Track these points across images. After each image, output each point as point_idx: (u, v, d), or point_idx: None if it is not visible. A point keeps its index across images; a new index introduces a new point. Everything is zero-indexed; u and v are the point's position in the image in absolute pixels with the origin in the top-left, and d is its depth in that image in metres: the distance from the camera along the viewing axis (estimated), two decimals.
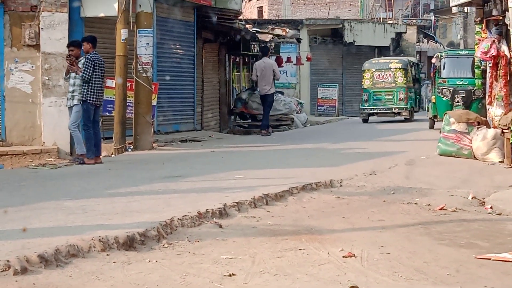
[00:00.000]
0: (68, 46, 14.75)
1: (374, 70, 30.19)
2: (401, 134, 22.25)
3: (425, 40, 47.95)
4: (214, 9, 22.82)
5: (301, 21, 37.33)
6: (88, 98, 13.97)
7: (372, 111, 30.06)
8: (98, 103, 14.21)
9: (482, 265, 6.58)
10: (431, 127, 23.73)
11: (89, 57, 14.00)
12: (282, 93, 28.92)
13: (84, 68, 13.91)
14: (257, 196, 9.54)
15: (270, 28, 32.24)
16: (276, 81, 29.77)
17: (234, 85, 27.91)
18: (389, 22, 42.91)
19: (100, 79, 14.12)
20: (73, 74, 14.15)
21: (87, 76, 13.87)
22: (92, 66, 13.91)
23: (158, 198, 9.55)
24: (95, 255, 6.52)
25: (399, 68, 29.85)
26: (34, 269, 5.95)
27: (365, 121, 30.19)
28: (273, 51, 29.65)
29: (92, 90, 13.97)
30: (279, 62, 31.89)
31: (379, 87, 29.88)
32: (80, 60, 14.10)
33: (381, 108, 29.86)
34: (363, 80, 30.51)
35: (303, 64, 34.73)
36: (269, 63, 23.41)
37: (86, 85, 13.93)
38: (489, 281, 6.04)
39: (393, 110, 29.76)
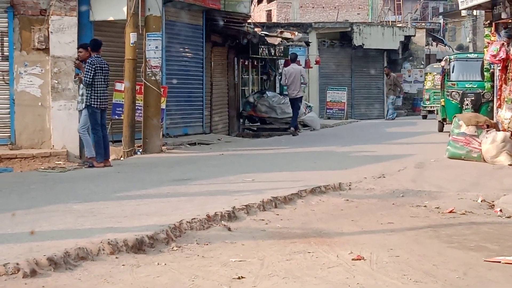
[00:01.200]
0: (78, 48, 14.84)
1: (435, 73, 32.62)
2: (410, 137, 22.23)
3: (434, 43, 47.85)
4: (222, 12, 22.84)
5: (310, 24, 37.27)
6: (92, 102, 13.99)
7: (432, 109, 32.97)
8: (102, 106, 14.21)
9: (492, 268, 6.56)
10: (440, 130, 23.70)
11: (89, 61, 14.02)
12: None
13: (85, 73, 13.96)
14: (266, 199, 9.54)
15: (278, 32, 32.21)
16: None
17: (245, 88, 27.92)
18: (398, 25, 42.79)
19: (103, 83, 14.11)
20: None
21: (87, 80, 13.90)
22: (92, 70, 13.91)
23: (167, 201, 9.56)
24: (104, 258, 6.53)
25: None
26: (43, 272, 5.97)
27: (425, 117, 34.21)
28: (282, 54, 29.66)
29: (96, 94, 13.99)
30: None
31: (439, 88, 31.55)
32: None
33: None
34: (425, 82, 34.13)
35: (311, 67, 34.70)
36: (297, 69, 24.73)
37: (89, 89, 13.96)
38: (498, 285, 6.03)
39: None
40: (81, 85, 14.28)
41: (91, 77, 13.90)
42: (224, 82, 25.14)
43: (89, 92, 13.98)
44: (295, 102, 24.47)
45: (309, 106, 30.13)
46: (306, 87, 35.10)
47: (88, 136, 14.31)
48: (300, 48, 34.03)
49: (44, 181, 12.41)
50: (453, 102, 22.65)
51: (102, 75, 14.07)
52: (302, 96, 25.17)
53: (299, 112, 25.09)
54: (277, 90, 30.89)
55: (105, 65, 14.22)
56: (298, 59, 25.77)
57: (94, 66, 13.93)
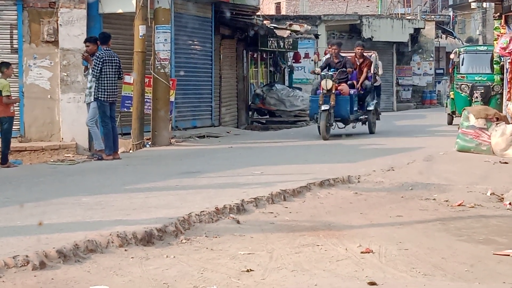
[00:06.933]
0: (84, 42, 14.85)
1: None
2: (419, 130, 22.19)
3: (444, 36, 47.71)
4: (231, 5, 22.82)
5: (319, 16, 37.22)
6: (100, 96, 14.02)
7: None
8: (111, 99, 14.21)
9: (501, 261, 6.56)
10: (450, 123, 23.65)
11: (97, 54, 14.07)
12: (300, 89, 28.91)
13: (93, 65, 13.99)
14: (275, 192, 9.53)
15: (287, 24, 32.19)
16: (293, 77, 30.08)
17: (251, 81, 27.91)
18: (407, 17, 42.68)
19: (111, 76, 14.10)
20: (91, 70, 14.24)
21: (95, 72, 13.93)
22: (100, 63, 13.94)
23: (176, 194, 9.57)
24: (113, 251, 6.54)
25: None
26: (52, 264, 5.98)
27: None
28: (290, 47, 29.64)
29: (103, 87, 14.00)
30: (296, 58, 31.92)
31: None
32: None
33: None
34: None
35: (321, 60, 34.67)
36: None
37: (97, 82, 13.99)
38: (507, 277, 6.02)
39: None
40: (89, 78, 14.31)
41: (98, 70, 13.92)
42: (233, 74, 25.15)
43: (97, 85, 14.00)
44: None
45: None
46: (315, 80, 35.11)
47: (96, 129, 14.33)
48: (309, 41, 34.02)
49: (53, 173, 12.44)
50: (462, 94, 22.61)
51: (111, 68, 14.07)
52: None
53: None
54: (286, 82, 30.87)
55: (115, 58, 14.21)
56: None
57: (101, 59, 13.95)
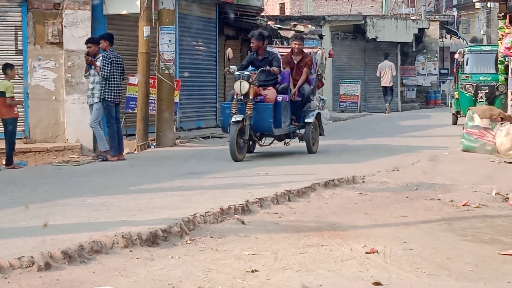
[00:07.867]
0: (86, 43, 14.83)
1: None
2: (423, 130, 22.16)
3: (448, 36, 47.63)
4: (235, 6, 22.82)
5: (323, 17, 37.12)
6: (106, 96, 14.03)
7: None
8: (117, 100, 14.24)
9: (506, 261, 6.55)
10: (454, 123, 23.62)
11: (105, 54, 14.07)
12: None
13: (102, 66, 13.99)
14: (280, 192, 9.54)
15: (292, 25, 32.17)
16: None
17: None
18: (411, 18, 42.57)
19: (117, 76, 14.14)
20: (92, 72, 14.24)
21: (105, 73, 13.94)
22: (109, 63, 13.96)
23: (181, 195, 9.57)
24: (118, 251, 6.55)
25: None
26: (57, 265, 5.99)
27: None
28: None
29: (110, 88, 14.02)
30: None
31: None
32: (98, 58, 14.16)
33: None
34: None
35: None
36: (388, 64, 33.02)
37: (104, 83, 13.99)
38: None
39: None
40: (91, 79, 14.32)
41: (108, 70, 13.94)
42: None
43: (104, 86, 14.01)
44: (387, 90, 32.64)
45: (323, 99, 30.07)
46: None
47: (100, 130, 14.34)
48: (313, 41, 33.97)
49: (58, 174, 12.45)
50: (467, 94, 22.58)
51: (117, 69, 14.11)
52: (392, 85, 32.91)
53: (391, 98, 33.20)
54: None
55: (120, 59, 14.26)
56: (388, 57, 32.84)
57: (110, 60, 13.98)
